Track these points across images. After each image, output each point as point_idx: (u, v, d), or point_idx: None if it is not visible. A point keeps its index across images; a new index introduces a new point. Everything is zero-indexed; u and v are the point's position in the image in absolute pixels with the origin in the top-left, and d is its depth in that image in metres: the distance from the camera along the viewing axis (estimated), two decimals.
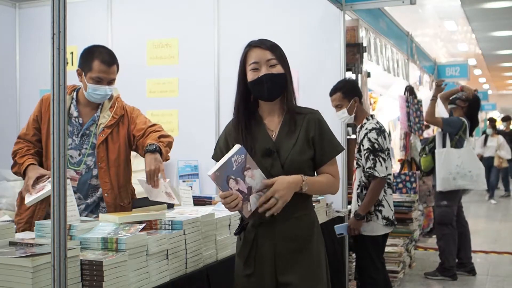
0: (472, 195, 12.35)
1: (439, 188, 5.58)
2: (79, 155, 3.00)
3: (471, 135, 5.88)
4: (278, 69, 2.29)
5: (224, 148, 2.35)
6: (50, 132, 2.93)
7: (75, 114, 3.02)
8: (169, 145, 3.02)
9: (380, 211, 3.78)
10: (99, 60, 2.91)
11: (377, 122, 3.87)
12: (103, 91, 2.95)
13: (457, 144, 5.62)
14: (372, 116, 3.95)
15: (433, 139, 5.91)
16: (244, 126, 2.32)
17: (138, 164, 3.84)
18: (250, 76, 2.29)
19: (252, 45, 2.33)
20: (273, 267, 2.27)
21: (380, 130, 3.79)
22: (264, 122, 2.34)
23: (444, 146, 5.63)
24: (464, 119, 5.68)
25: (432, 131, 9.33)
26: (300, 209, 2.30)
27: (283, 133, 2.30)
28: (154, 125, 3.11)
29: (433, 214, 7.53)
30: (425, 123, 6.87)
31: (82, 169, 2.99)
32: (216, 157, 2.37)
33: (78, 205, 2.94)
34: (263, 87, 2.26)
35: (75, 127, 3.01)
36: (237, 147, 2.16)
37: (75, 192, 2.93)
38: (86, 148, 3.00)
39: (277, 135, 2.31)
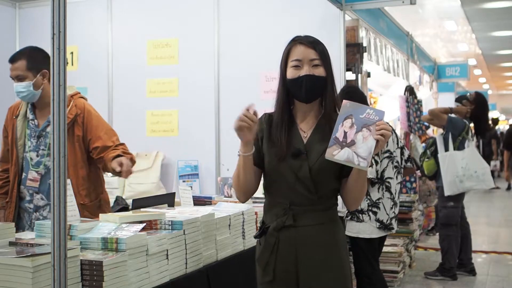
0: None
1: (447, 192, 5.48)
2: (37, 156, 3.08)
3: (478, 136, 5.89)
4: (320, 71, 2.17)
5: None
6: (15, 139, 3.05)
7: (31, 117, 3.12)
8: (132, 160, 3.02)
9: (375, 213, 3.76)
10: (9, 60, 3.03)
11: None
12: (17, 88, 3.05)
13: (459, 146, 5.60)
14: None
15: (433, 143, 5.85)
16: (286, 123, 2.19)
17: (138, 164, 3.84)
18: (290, 74, 2.17)
19: (297, 41, 2.21)
20: (295, 275, 2.17)
21: None
22: (297, 121, 2.24)
23: (446, 149, 5.60)
24: (466, 121, 5.68)
25: (432, 132, 9.30)
26: (324, 216, 2.19)
27: (316, 137, 2.18)
28: (121, 144, 3.12)
29: (434, 214, 7.52)
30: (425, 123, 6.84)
31: (42, 169, 3.06)
32: None
33: (43, 206, 3.07)
34: (301, 87, 2.15)
35: (32, 129, 3.10)
36: (381, 110, 2.06)
37: (37, 193, 3.07)
38: (43, 149, 3.08)
39: (308, 137, 2.20)
